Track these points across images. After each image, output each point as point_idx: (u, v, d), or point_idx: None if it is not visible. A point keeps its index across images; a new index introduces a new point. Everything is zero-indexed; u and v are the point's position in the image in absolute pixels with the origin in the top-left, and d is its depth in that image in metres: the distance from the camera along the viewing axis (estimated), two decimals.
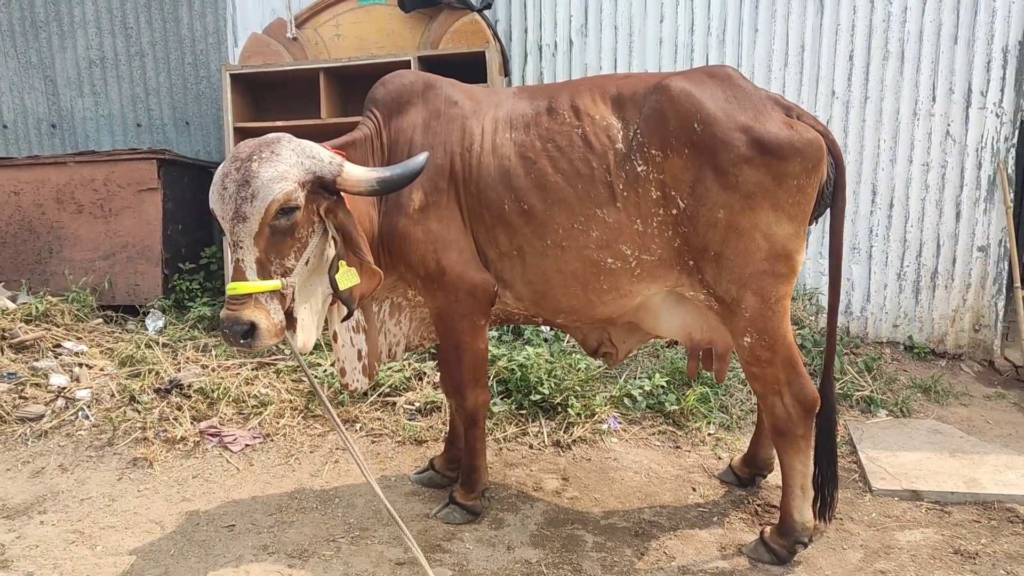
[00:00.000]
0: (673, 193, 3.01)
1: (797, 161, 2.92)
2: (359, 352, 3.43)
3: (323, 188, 2.78)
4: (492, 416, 4.42)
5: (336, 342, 3.35)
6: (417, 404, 4.63)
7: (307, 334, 2.88)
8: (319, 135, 6.02)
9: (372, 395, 4.69)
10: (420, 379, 4.87)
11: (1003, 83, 5.39)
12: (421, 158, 2.84)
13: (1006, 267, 5.63)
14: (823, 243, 5.73)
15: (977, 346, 5.79)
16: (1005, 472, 3.99)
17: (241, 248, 2.68)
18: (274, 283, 2.68)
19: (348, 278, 2.77)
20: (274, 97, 6.38)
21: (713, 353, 3.48)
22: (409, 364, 4.99)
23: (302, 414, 4.55)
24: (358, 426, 4.48)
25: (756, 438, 3.82)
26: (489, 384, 4.18)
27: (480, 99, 3.33)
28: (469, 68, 5.50)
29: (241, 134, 6.04)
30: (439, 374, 3.95)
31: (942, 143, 5.55)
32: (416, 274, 3.24)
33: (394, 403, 4.64)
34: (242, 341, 2.63)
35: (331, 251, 2.85)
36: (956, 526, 3.55)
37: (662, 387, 4.64)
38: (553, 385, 4.48)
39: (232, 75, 5.94)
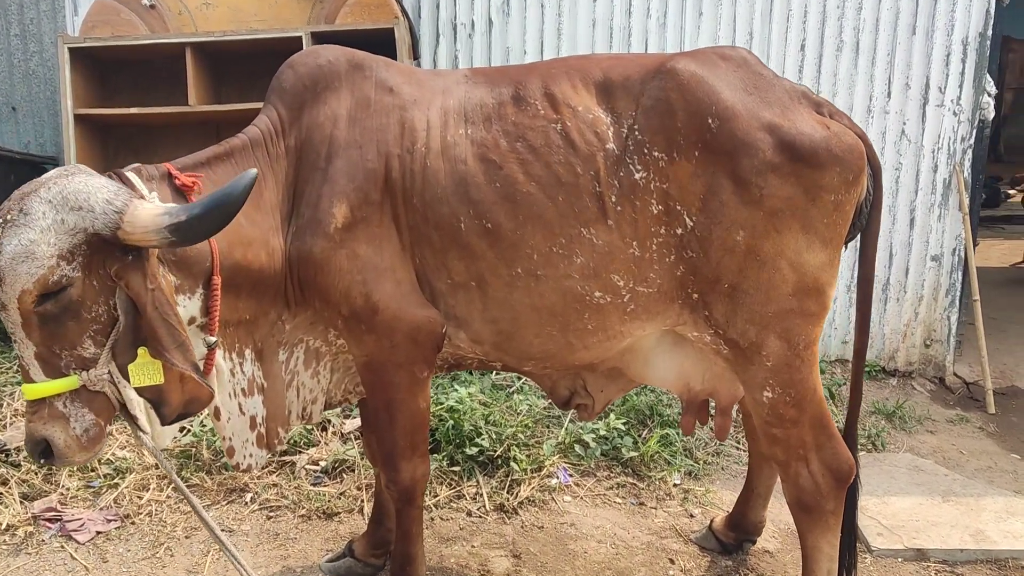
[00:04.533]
0: (679, 208, 2.47)
1: (835, 171, 2.45)
2: (252, 420, 2.65)
3: (112, 244, 2.04)
4: None
5: (218, 420, 2.59)
6: (323, 463, 3.85)
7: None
8: (187, 125, 5.19)
9: None
10: (324, 431, 4.08)
11: (962, 78, 5.12)
12: (246, 177, 2.04)
13: (959, 277, 5.38)
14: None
15: (928, 362, 5.56)
16: (1010, 520, 3.70)
17: (16, 341, 2.09)
18: (68, 381, 2.08)
19: (146, 373, 2.10)
20: (127, 78, 5.45)
21: (715, 407, 2.90)
22: None
23: (173, 485, 3.65)
24: (248, 496, 3.66)
25: (745, 496, 3.35)
26: None
27: (424, 84, 2.70)
28: (372, 48, 4.67)
29: (84, 123, 5.12)
30: (363, 438, 3.18)
31: (896, 143, 5.23)
32: (337, 312, 2.57)
33: (293, 464, 3.84)
34: (42, 461, 2.14)
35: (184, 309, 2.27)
36: None
37: (618, 430, 4.05)
38: (492, 435, 3.83)
39: (72, 49, 4.98)
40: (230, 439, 2.62)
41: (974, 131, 5.18)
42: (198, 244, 2.23)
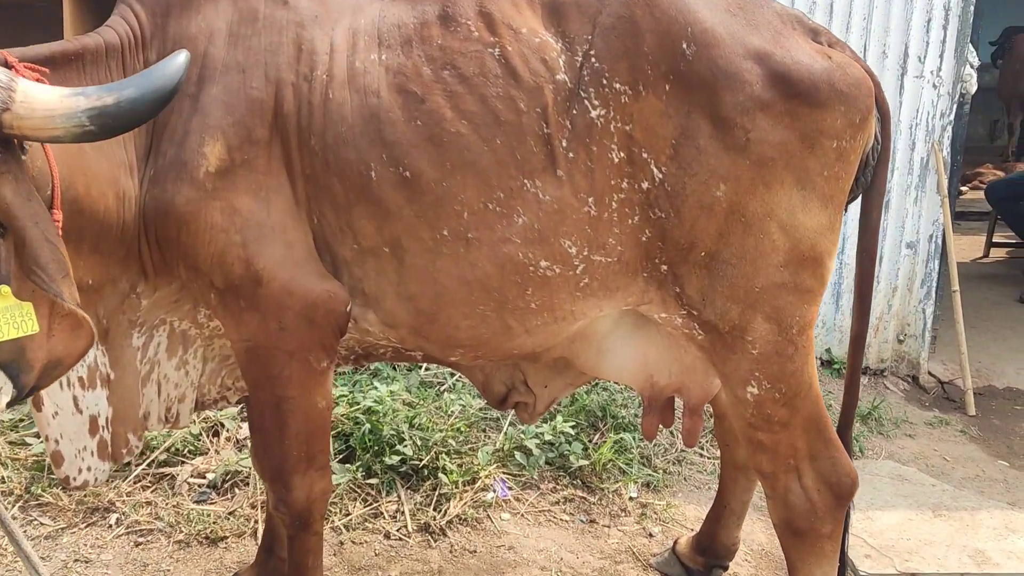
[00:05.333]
0: (645, 155, 2.14)
1: (839, 111, 2.16)
2: (92, 421, 2.21)
3: None
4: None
5: (39, 411, 2.14)
6: (211, 476, 3.39)
7: None
8: None
9: (138, 464, 3.40)
10: (216, 436, 3.61)
11: (943, 47, 4.83)
12: (178, 58, 1.76)
13: (936, 266, 5.14)
14: None
15: (901, 359, 5.29)
16: (1011, 538, 3.44)
17: None
18: None
19: (15, 320, 1.69)
20: None
21: (683, 405, 2.54)
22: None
23: (19, 503, 3.17)
24: (113, 518, 3.17)
25: (715, 514, 3.06)
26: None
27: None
28: None
29: None
30: (251, 446, 2.72)
31: None
32: (209, 283, 2.18)
33: (173, 476, 3.38)
34: None
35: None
36: None
37: (565, 434, 3.69)
38: (418, 441, 3.44)
39: None
40: (57, 442, 2.16)
41: (955, 106, 4.91)
42: (39, 163, 1.80)
